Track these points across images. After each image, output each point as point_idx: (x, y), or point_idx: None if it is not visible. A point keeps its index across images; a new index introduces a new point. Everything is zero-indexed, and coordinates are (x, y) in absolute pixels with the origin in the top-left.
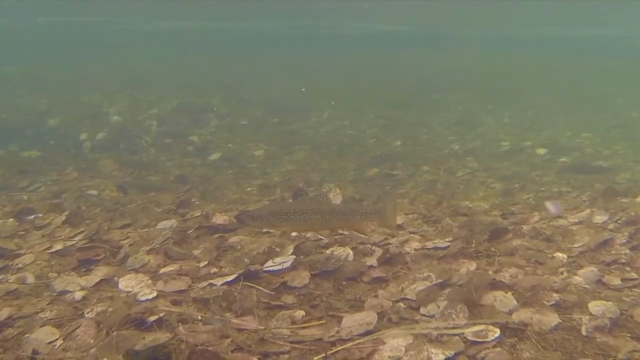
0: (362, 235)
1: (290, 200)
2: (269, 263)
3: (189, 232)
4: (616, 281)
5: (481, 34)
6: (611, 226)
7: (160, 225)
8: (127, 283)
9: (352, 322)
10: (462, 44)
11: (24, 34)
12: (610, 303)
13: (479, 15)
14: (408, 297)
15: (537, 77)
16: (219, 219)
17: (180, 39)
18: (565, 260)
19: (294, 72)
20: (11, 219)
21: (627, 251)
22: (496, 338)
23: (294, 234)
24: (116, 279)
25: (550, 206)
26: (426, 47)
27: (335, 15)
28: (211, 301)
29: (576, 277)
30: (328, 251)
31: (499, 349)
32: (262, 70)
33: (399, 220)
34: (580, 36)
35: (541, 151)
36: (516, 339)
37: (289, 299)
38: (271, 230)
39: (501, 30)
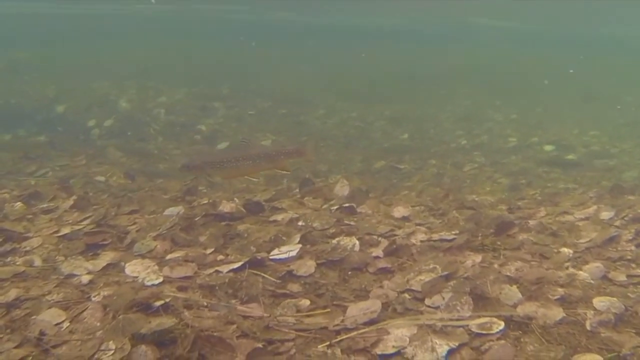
0: (286, 172)
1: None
2: (275, 251)
3: (196, 219)
4: (622, 277)
5: (491, 30)
6: (617, 223)
7: (167, 211)
8: (133, 268)
9: (357, 311)
10: (472, 41)
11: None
12: (615, 299)
13: (490, 11)
14: (413, 288)
15: (547, 74)
16: (226, 206)
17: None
18: (571, 255)
19: (310, 64)
20: (19, 203)
21: (633, 248)
22: (500, 330)
23: (300, 223)
24: (123, 263)
25: None
26: (439, 42)
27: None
28: (217, 288)
29: (582, 272)
30: (334, 241)
31: (503, 341)
32: (275, 62)
33: (405, 212)
34: (591, 34)
35: (548, 148)
36: (520, 332)
37: (294, 287)
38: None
39: (514, 27)
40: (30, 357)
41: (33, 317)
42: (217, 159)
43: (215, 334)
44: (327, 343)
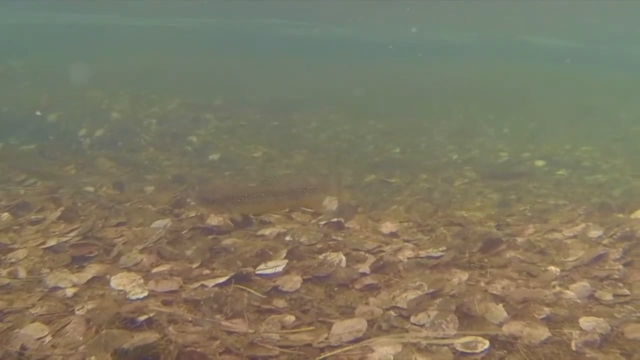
0: (313, 210)
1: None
2: (262, 266)
3: (183, 232)
4: (608, 297)
5: (487, 43)
6: (606, 241)
7: (155, 224)
8: (119, 281)
9: (342, 328)
10: (469, 53)
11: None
12: (601, 319)
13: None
14: (399, 305)
15: (541, 88)
16: (214, 220)
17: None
18: (558, 273)
19: (305, 75)
20: (6, 213)
21: (621, 267)
22: (485, 350)
23: (287, 237)
24: (108, 277)
25: None
26: (436, 54)
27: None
28: (202, 302)
29: (568, 291)
30: (321, 256)
31: None
32: (270, 73)
33: (394, 228)
34: (586, 48)
35: (539, 163)
36: (505, 351)
37: (280, 303)
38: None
39: (508, 40)
40: None
41: (15, 330)
42: (239, 193)
43: (198, 349)
44: None
